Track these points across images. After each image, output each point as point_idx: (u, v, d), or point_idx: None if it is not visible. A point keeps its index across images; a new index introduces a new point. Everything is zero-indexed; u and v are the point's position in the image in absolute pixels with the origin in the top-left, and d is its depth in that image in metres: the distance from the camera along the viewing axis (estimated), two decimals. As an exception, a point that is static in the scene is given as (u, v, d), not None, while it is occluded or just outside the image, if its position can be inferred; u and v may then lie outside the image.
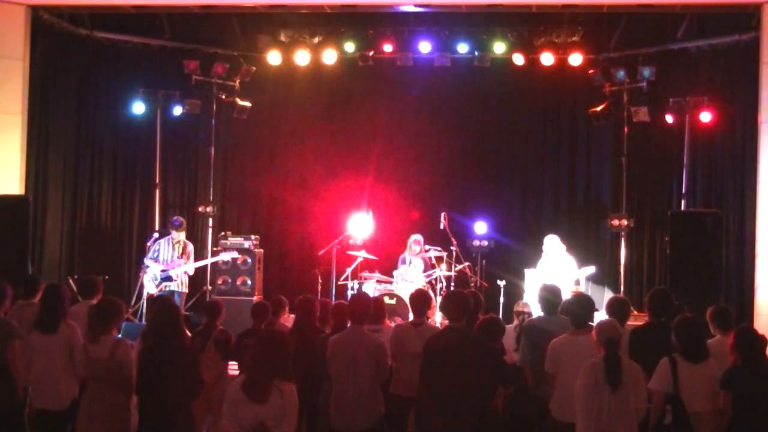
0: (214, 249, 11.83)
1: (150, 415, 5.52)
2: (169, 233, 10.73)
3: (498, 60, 12.34)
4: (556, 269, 10.62)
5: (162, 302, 6.58)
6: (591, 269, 11.17)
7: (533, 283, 10.59)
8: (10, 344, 6.20)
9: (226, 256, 11.27)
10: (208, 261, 11.48)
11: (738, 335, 5.66)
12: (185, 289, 10.68)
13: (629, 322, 6.77)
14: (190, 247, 10.78)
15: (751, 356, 5.51)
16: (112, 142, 12.45)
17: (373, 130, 13.21)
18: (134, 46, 12.28)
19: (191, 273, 10.86)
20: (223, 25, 12.86)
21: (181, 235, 10.67)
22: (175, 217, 11.01)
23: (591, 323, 6.02)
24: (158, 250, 10.61)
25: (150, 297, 10.37)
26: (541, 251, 10.94)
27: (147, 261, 10.61)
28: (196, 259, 11.02)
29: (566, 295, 8.43)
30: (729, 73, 11.20)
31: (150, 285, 10.50)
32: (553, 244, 10.84)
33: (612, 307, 6.68)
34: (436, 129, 13.25)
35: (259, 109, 13.14)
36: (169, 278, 10.46)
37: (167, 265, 10.48)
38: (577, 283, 10.88)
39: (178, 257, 10.56)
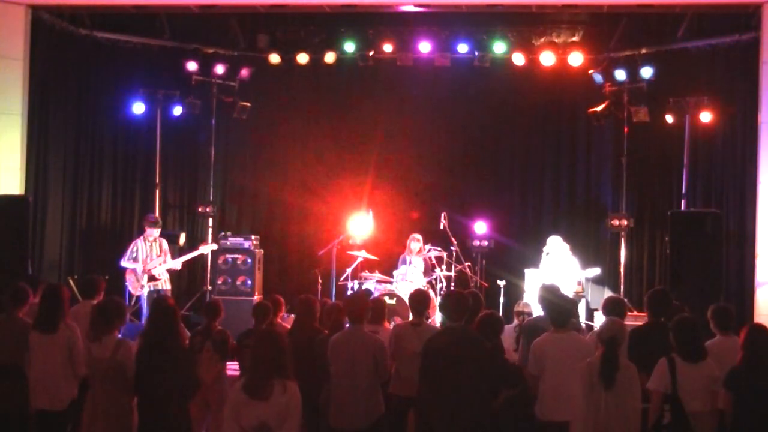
0: (213, 250, 11.81)
1: (147, 415, 5.53)
2: (143, 231, 10.72)
3: (498, 60, 12.34)
4: (559, 270, 10.60)
5: (158, 302, 6.59)
6: (596, 271, 11.15)
7: (533, 283, 10.58)
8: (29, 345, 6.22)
9: (205, 249, 11.31)
10: (190, 255, 11.32)
11: (750, 333, 5.64)
12: (168, 286, 10.68)
13: (627, 322, 6.77)
14: (166, 244, 10.76)
15: (757, 356, 5.51)
16: (112, 142, 12.44)
17: (373, 130, 13.20)
18: (134, 46, 12.26)
19: (179, 268, 10.87)
20: (223, 25, 12.86)
21: (156, 233, 10.65)
22: (150, 214, 11.02)
23: (588, 323, 6.02)
24: (136, 250, 10.60)
25: (140, 297, 10.40)
26: (541, 251, 10.93)
27: (124, 263, 10.58)
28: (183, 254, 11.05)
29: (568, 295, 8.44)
30: (729, 73, 11.18)
31: (134, 286, 10.48)
32: (556, 244, 10.82)
33: (608, 306, 6.69)
34: (436, 129, 13.24)
35: (259, 109, 13.13)
36: (153, 278, 10.46)
37: (146, 263, 10.47)
38: (580, 284, 10.88)
39: (156, 256, 10.56)
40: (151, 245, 10.59)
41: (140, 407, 5.59)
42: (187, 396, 5.54)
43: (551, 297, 6.38)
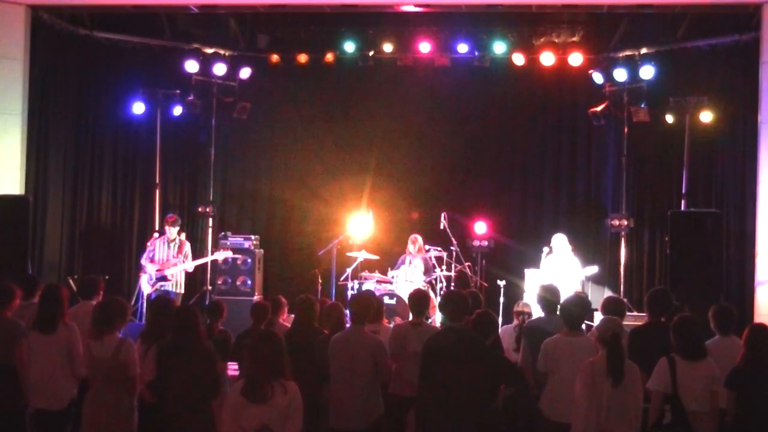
0: (214, 249, 11.82)
1: (170, 416, 5.52)
2: (164, 232, 10.74)
3: (498, 60, 12.34)
4: (561, 269, 10.58)
5: (167, 302, 6.61)
6: (594, 269, 11.10)
7: (533, 283, 10.57)
8: (18, 344, 6.21)
9: (220, 255, 11.27)
10: (203, 260, 11.41)
11: (752, 332, 5.65)
12: (181, 290, 10.67)
13: (627, 322, 6.77)
14: (187, 246, 10.75)
15: (758, 355, 5.51)
16: (112, 142, 12.44)
17: (373, 130, 13.20)
18: (134, 46, 12.26)
19: (190, 270, 10.87)
20: (223, 25, 12.86)
21: (175, 232, 10.64)
22: (170, 214, 11.02)
23: (588, 323, 6.02)
24: (154, 249, 10.61)
25: (150, 297, 10.39)
26: (542, 251, 10.90)
27: (143, 261, 10.63)
28: (196, 259, 11.04)
29: (567, 295, 8.42)
30: (729, 73, 11.18)
31: (146, 285, 10.51)
32: (559, 242, 10.79)
33: (607, 306, 6.69)
34: (436, 129, 13.23)
35: (259, 109, 13.13)
36: (164, 278, 10.46)
37: (162, 264, 10.48)
38: (582, 284, 10.85)
39: (173, 256, 10.56)
40: (169, 245, 10.60)
41: (162, 408, 5.59)
42: (210, 396, 5.54)
43: (566, 300, 6.36)
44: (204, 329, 5.94)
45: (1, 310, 6.45)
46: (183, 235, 11.07)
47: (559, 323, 6.30)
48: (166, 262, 10.50)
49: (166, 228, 10.67)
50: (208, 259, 11.49)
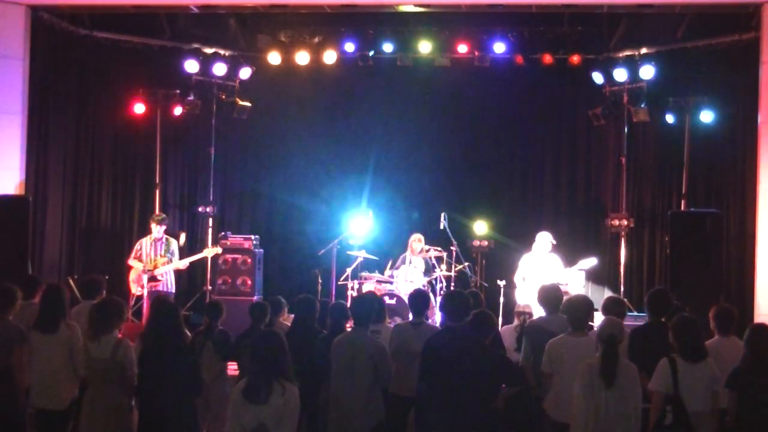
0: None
1: (152, 415, 5.53)
2: (149, 230, 10.72)
3: (498, 60, 12.34)
4: (539, 268, 10.48)
5: (161, 302, 6.60)
6: (593, 261, 10.86)
7: (521, 281, 10.55)
8: (17, 349, 6.21)
9: (210, 252, 11.29)
10: (193, 258, 11.32)
11: (753, 332, 5.66)
12: (172, 289, 10.68)
13: (627, 322, 6.77)
14: (174, 244, 10.75)
15: (759, 355, 5.51)
16: (112, 142, 12.44)
17: (373, 130, 13.20)
18: (134, 46, 12.25)
19: (183, 268, 10.86)
20: (223, 25, 12.86)
21: (162, 231, 10.62)
22: (157, 213, 11.02)
23: (591, 324, 6.02)
24: (141, 249, 10.60)
25: (141, 298, 10.39)
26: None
27: (130, 261, 10.61)
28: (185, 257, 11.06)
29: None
30: (729, 73, 11.18)
31: (134, 286, 10.48)
32: (541, 241, 10.70)
33: (608, 306, 6.69)
34: (436, 129, 13.24)
35: (259, 109, 13.13)
36: (154, 278, 10.44)
37: (153, 265, 10.45)
38: (566, 284, 10.79)
39: (161, 255, 10.54)
40: (156, 245, 10.58)
41: (145, 407, 5.59)
42: (191, 395, 5.54)
43: (571, 300, 6.36)
44: (184, 328, 5.93)
45: (2, 313, 6.43)
46: (183, 236, 11.07)
47: (561, 323, 6.31)
48: (155, 261, 10.49)
49: (153, 227, 10.66)
50: (198, 257, 11.43)
